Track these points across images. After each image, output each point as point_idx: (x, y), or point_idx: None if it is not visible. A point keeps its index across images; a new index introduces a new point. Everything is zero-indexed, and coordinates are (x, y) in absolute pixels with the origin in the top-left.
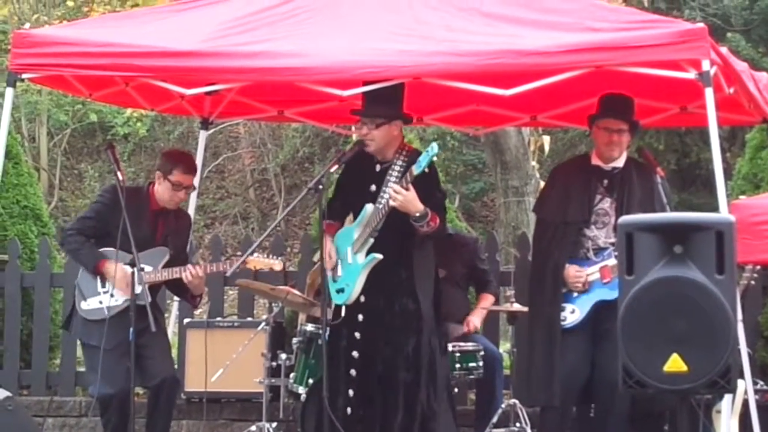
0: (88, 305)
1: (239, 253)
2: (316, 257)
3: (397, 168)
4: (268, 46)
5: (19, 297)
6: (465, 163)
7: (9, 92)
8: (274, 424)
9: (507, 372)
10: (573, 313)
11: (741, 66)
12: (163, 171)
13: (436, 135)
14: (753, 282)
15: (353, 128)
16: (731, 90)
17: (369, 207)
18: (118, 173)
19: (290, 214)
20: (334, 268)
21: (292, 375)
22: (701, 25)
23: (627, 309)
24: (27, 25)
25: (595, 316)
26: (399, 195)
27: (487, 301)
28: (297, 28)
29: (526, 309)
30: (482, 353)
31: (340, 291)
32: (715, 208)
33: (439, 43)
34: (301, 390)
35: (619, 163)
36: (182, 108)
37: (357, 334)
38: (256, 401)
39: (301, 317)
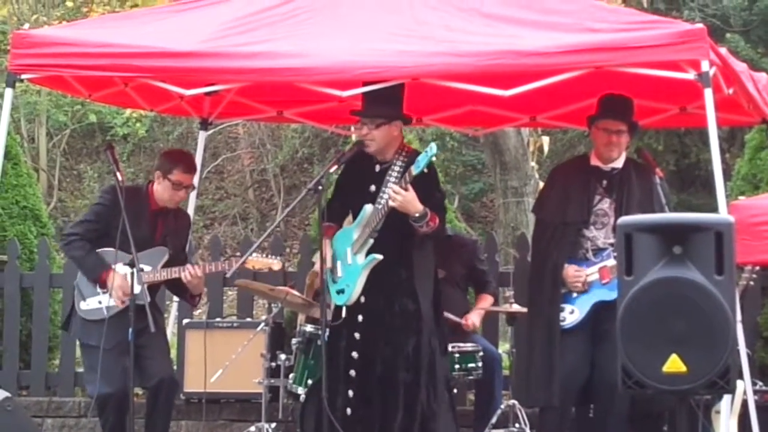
0: (87, 305)
1: (238, 254)
2: (316, 258)
3: (396, 168)
4: (268, 46)
5: (18, 297)
6: (464, 163)
7: (8, 93)
8: (273, 425)
9: (506, 372)
10: (572, 314)
11: (740, 67)
12: (162, 170)
13: (436, 135)
14: (752, 282)
15: (353, 129)
16: (730, 91)
17: (368, 207)
18: (118, 174)
19: (289, 214)
20: (334, 270)
21: (291, 375)
22: (700, 25)
23: (626, 309)
24: (26, 26)
25: (595, 317)
26: (398, 195)
27: (486, 301)
28: (297, 28)
29: (525, 310)
30: (481, 354)
31: (340, 292)
32: (714, 209)
33: (438, 44)
34: (301, 390)
35: (618, 163)
36: (181, 108)
37: (356, 335)
38: (255, 402)
39: (301, 318)
